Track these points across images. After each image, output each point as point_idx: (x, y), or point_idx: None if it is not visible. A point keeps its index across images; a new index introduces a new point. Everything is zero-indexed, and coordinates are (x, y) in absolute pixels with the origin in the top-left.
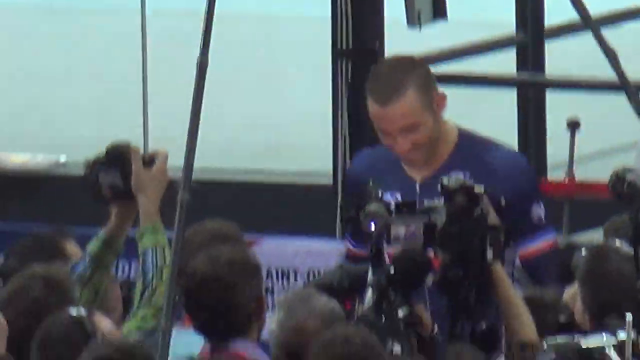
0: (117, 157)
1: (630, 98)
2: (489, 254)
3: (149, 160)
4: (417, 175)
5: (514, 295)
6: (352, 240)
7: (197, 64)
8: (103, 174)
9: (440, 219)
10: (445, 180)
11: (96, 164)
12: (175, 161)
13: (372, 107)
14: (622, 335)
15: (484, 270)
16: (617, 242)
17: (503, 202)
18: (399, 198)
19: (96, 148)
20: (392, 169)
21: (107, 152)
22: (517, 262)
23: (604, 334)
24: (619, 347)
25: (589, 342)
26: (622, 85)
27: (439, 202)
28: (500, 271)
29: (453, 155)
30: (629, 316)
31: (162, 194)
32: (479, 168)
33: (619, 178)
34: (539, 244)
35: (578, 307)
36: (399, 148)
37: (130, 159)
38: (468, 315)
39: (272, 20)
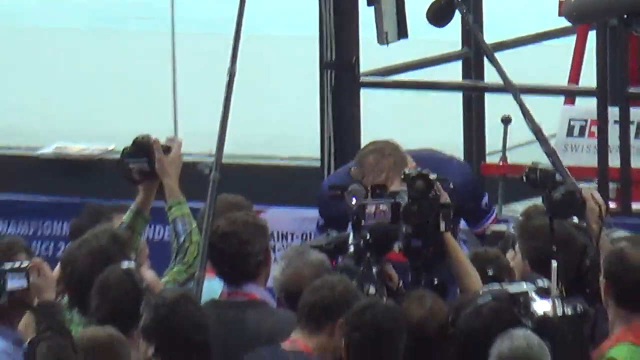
0: (143, 147)
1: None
2: (442, 226)
3: (167, 148)
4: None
5: (462, 256)
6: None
7: (227, 73)
8: (132, 161)
9: (403, 200)
10: (406, 170)
11: (126, 153)
12: (200, 149)
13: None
14: (540, 283)
15: (438, 238)
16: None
17: (452, 185)
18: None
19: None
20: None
21: (134, 143)
22: (466, 226)
23: (524, 283)
24: (541, 291)
25: (513, 288)
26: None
27: (403, 187)
28: (450, 238)
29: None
30: (554, 263)
31: (179, 173)
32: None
33: (531, 169)
34: (488, 222)
35: (517, 262)
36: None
37: (153, 148)
38: (426, 272)
39: (272, 39)
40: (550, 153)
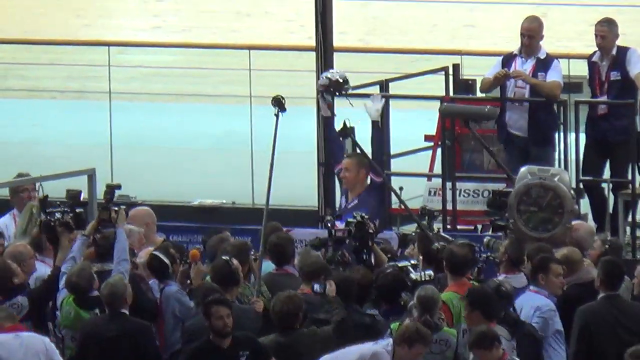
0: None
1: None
2: (370, 242)
3: (255, 259)
4: (350, 196)
5: (379, 253)
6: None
7: (267, 180)
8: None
9: (353, 229)
10: (355, 214)
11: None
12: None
13: (344, 160)
14: (412, 261)
15: (369, 247)
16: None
17: (377, 223)
18: (345, 203)
19: (235, 197)
20: (346, 193)
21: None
22: (384, 235)
23: (406, 261)
24: (412, 266)
25: (400, 263)
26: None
27: (354, 220)
28: (376, 247)
29: (362, 193)
30: (420, 257)
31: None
32: (366, 203)
33: (423, 208)
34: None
35: (415, 252)
36: (342, 174)
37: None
38: (363, 262)
39: (285, 156)
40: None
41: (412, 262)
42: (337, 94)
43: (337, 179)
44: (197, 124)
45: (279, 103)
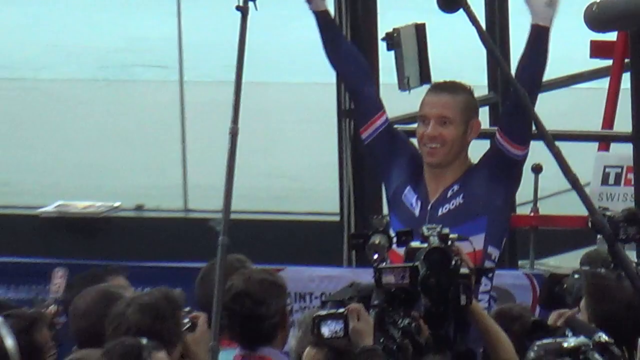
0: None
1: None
2: (462, 299)
3: (192, 325)
4: (435, 187)
5: (490, 325)
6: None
7: (229, 132)
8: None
9: (423, 267)
10: (425, 231)
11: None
12: (211, 205)
13: (426, 97)
14: (603, 337)
15: (460, 309)
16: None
17: (471, 242)
18: (415, 200)
19: (144, 195)
20: (419, 176)
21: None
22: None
23: (582, 336)
24: (598, 346)
25: (570, 341)
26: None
27: (427, 242)
28: (476, 307)
29: (464, 178)
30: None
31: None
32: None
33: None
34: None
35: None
36: (429, 132)
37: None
38: (447, 344)
39: (285, 86)
40: (590, 208)
41: (603, 337)
42: None
43: (370, 151)
44: (67, 41)
45: None
